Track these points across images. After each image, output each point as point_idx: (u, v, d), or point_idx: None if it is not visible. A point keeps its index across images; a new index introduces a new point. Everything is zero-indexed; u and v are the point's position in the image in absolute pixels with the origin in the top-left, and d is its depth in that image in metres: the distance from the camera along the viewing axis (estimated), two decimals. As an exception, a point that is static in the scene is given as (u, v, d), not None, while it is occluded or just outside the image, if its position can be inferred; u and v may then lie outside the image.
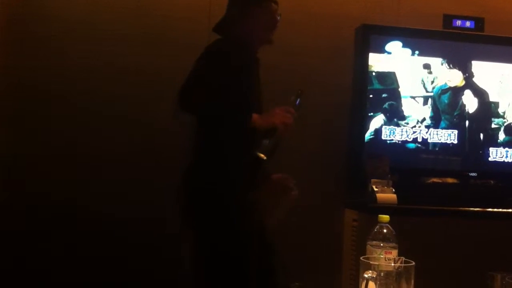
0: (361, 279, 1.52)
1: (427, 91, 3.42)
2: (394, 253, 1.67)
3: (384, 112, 3.38)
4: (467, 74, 3.46)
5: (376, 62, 3.37)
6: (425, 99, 3.42)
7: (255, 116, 2.30)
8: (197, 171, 2.39)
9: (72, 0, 3.32)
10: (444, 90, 3.43)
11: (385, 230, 1.71)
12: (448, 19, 3.54)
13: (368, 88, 3.36)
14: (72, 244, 3.24)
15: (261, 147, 2.28)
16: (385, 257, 1.64)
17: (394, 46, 3.40)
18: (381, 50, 3.39)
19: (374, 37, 3.38)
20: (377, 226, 1.72)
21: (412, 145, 3.40)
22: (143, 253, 3.27)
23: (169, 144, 3.27)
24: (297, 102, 2.44)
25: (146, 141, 3.32)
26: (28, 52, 3.28)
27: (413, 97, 3.41)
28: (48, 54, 3.29)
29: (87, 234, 3.24)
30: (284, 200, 2.56)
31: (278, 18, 2.51)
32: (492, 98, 3.48)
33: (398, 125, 3.38)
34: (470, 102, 3.46)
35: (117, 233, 3.23)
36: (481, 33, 3.54)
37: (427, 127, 3.41)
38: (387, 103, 3.38)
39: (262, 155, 2.28)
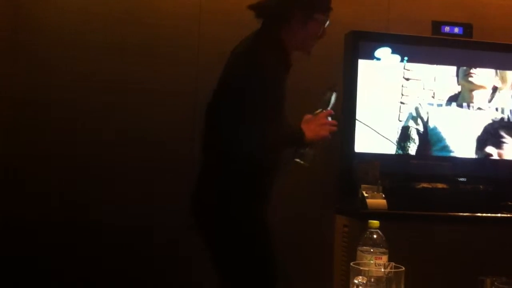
0: (351, 285, 1.53)
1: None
2: (384, 258, 1.67)
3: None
4: (456, 80, 3.48)
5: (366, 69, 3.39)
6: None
7: (304, 128, 2.19)
8: (230, 189, 2.23)
9: (62, 9, 3.32)
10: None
11: (375, 236, 1.71)
12: (436, 25, 3.57)
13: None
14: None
15: (304, 156, 2.19)
16: (375, 263, 1.65)
17: (383, 53, 3.42)
18: (370, 56, 3.40)
19: (363, 43, 3.40)
20: (367, 232, 1.73)
21: (402, 151, 3.42)
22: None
23: (162, 153, 3.27)
24: (332, 100, 2.28)
25: (135, 150, 3.31)
26: (17, 62, 3.27)
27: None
28: (36, 62, 3.28)
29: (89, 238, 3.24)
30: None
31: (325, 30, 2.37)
32: (480, 103, 3.50)
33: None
34: (459, 107, 3.48)
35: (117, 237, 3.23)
36: (469, 39, 3.56)
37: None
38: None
39: (304, 163, 2.20)
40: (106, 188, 3.26)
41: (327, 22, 2.34)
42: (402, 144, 3.42)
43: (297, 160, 2.20)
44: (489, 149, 3.49)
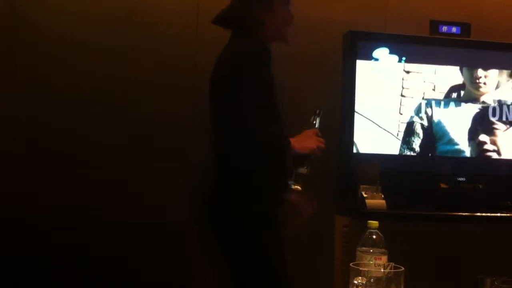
0: (351, 285, 1.53)
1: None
2: (384, 259, 1.67)
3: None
4: (455, 80, 3.48)
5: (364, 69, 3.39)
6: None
7: (292, 140, 2.16)
8: (230, 202, 2.23)
9: (59, 11, 3.31)
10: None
11: (374, 236, 1.71)
12: (434, 25, 3.57)
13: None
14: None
15: (298, 177, 2.16)
16: (375, 263, 1.64)
17: (382, 53, 3.42)
18: (368, 56, 3.40)
19: (361, 43, 3.40)
20: (367, 232, 1.73)
21: (406, 147, 3.42)
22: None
23: (164, 150, 3.28)
24: (317, 123, 2.32)
25: (136, 148, 3.31)
26: (16, 64, 3.26)
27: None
28: (35, 64, 3.27)
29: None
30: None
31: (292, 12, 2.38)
32: (479, 103, 3.50)
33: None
34: (458, 108, 3.48)
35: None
36: (467, 39, 3.56)
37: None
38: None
39: (298, 187, 2.17)
40: (106, 187, 3.26)
41: (290, 6, 2.36)
42: (406, 140, 3.41)
43: (292, 184, 2.18)
44: (488, 146, 3.50)
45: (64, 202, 3.23)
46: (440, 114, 3.45)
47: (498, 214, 3.28)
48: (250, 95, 2.09)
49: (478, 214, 3.24)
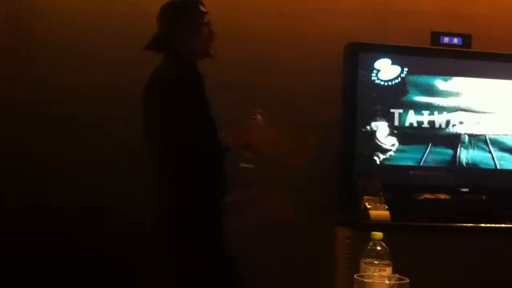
0: (355, 297, 1.52)
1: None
2: (388, 270, 1.66)
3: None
4: (457, 91, 3.48)
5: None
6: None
7: (229, 136, 2.34)
8: (174, 207, 2.33)
9: (62, 24, 3.33)
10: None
11: (378, 247, 1.70)
12: (436, 36, 3.58)
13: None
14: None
15: (245, 159, 2.33)
16: (379, 275, 1.63)
17: (383, 64, 3.42)
18: (370, 67, 3.41)
19: (362, 54, 3.41)
20: (371, 243, 1.72)
21: (404, 162, 3.42)
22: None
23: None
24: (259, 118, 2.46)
25: (135, 160, 3.31)
26: (18, 74, 3.29)
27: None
28: (36, 75, 3.29)
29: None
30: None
31: (212, 28, 2.51)
32: (481, 114, 3.50)
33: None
34: (460, 119, 3.48)
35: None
36: (468, 50, 3.57)
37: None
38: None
39: (248, 165, 2.32)
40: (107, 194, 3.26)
41: (212, 24, 2.50)
42: (404, 152, 3.41)
43: (242, 164, 2.34)
44: (490, 159, 3.49)
45: (64, 207, 3.24)
46: (442, 123, 3.45)
47: (502, 225, 3.28)
48: (183, 111, 2.26)
49: (482, 225, 3.23)
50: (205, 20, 2.49)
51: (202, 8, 2.50)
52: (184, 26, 2.44)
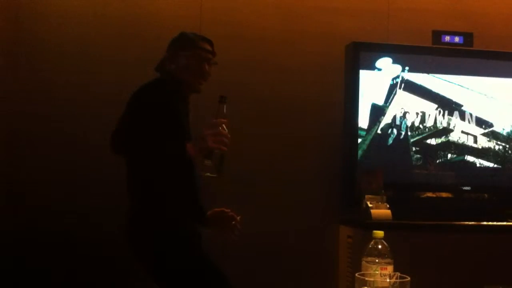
0: (357, 296, 1.52)
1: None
2: (390, 268, 1.66)
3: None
4: (458, 89, 3.48)
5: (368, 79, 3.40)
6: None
7: (188, 146, 2.26)
8: (145, 218, 2.37)
9: (62, 24, 3.34)
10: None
11: (380, 246, 1.70)
12: (437, 35, 3.58)
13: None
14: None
15: (206, 168, 2.23)
16: (381, 273, 1.64)
17: (384, 63, 3.43)
18: (371, 67, 3.41)
19: (364, 54, 3.41)
20: (372, 242, 1.72)
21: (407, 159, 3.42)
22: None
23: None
24: (224, 109, 2.28)
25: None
26: (17, 75, 3.29)
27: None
28: (36, 75, 3.30)
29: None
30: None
31: (207, 67, 2.50)
32: (483, 113, 3.50)
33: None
34: (462, 117, 3.48)
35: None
36: (470, 48, 3.57)
37: (419, 142, 3.44)
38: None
39: (210, 174, 2.24)
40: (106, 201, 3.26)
41: (208, 61, 2.52)
42: (407, 151, 3.41)
43: (203, 173, 2.27)
44: (492, 157, 3.49)
45: (64, 214, 3.24)
46: (446, 123, 3.45)
47: (504, 223, 3.27)
48: (148, 123, 2.28)
49: (484, 223, 3.23)
50: (201, 57, 2.49)
51: (202, 45, 2.52)
52: (176, 57, 2.50)
